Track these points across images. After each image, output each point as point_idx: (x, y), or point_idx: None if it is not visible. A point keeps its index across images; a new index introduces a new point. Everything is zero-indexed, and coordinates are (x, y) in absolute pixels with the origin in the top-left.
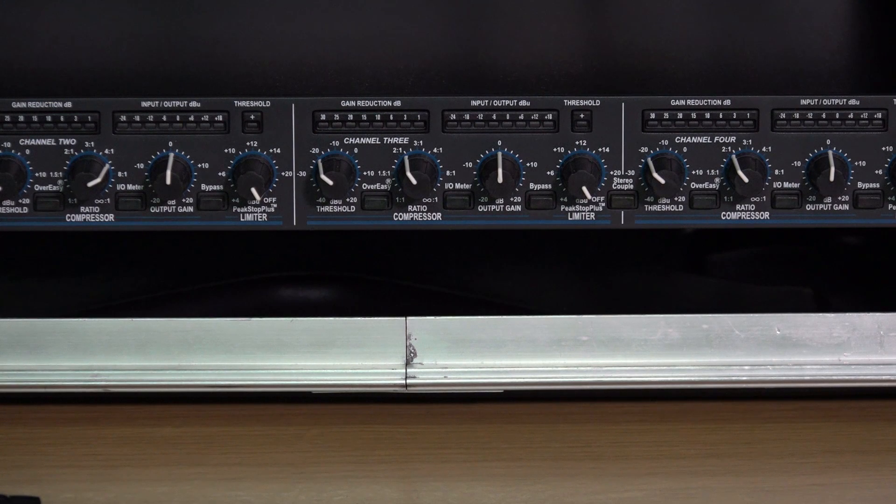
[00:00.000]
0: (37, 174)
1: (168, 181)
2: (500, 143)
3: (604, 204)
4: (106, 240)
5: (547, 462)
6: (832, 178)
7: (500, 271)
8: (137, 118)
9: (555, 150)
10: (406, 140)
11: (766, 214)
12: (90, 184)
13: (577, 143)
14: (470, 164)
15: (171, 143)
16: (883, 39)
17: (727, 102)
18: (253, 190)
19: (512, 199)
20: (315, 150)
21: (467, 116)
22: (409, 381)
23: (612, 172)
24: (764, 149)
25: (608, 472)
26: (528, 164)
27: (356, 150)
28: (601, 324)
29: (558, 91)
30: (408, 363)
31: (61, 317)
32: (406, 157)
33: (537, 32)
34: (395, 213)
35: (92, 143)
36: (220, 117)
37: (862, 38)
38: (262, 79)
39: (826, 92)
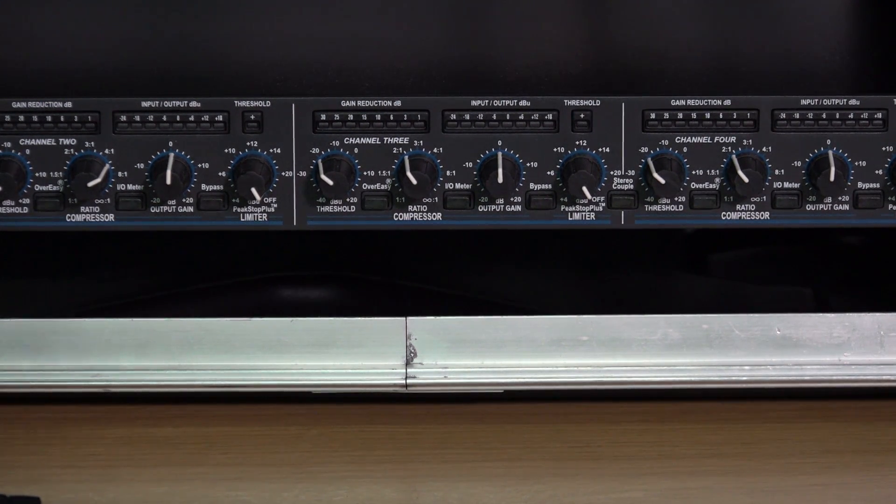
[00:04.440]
0: (37, 174)
1: (168, 181)
2: (500, 143)
3: (604, 204)
4: (106, 240)
5: (547, 462)
6: (832, 178)
7: (500, 271)
8: (137, 118)
9: (555, 150)
10: (406, 140)
11: (767, 214)
12: (90, 184)
13: (577, 143)
14: (470, 164)
15: (171, 143)
16: (883, 39)
17: (727, 102)
18: (253, 190)
19: (512, 199)
20: (315, 150)
21: (467, 116)
22: (409, 381)
23: (612, 172)
24: (764, 149)
25: (608, 472)
26: (528, 164)
27: (356, 150)
28: (601, 324)
29: (558, 91)
30: (408, 363)
31: (61, 317)
32: (406, 157)
33: (537, 32)
34: (396, 213)
35: (92, 143)
36: (220, 117)
37: (862, 38)
38: (262, 79)
39: (826, 92)
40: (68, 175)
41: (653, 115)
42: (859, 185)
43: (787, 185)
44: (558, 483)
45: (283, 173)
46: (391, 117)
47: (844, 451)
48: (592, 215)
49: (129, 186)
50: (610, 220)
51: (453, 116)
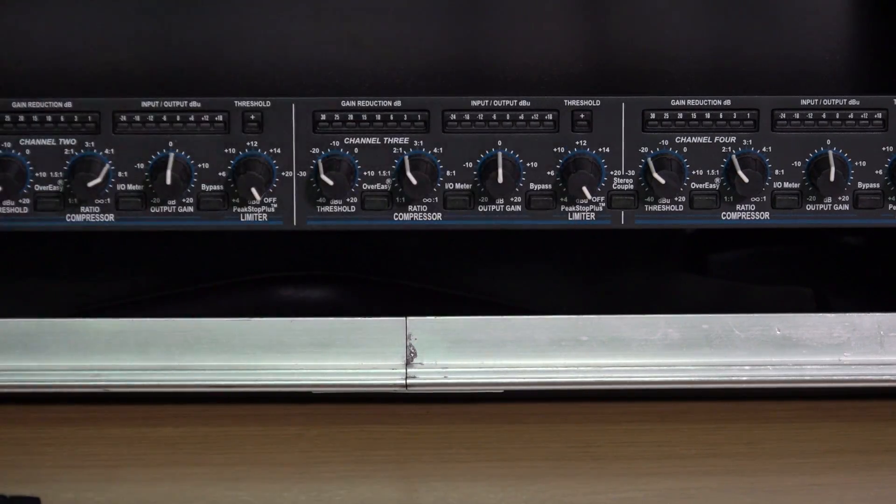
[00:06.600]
0: (37, 174)
1: (168, 181)
2: (500, 143)
3: (604, 204)
4: (106, 240)
5: (547, 462)
6: (832, 178)
7: (500, 271)
8: (137, 118)
9: (555, 150)
10: (406, 140)
11: (766, 214)
12: (90, 184)
13: (577, 143)
14: (470, 164)
15: (171, 143)
16: (883, 39)
17: (727, 102)
18: (253, 190)
19: (512, 199)
20: (315, 150)
21: (467, 116)
22: (409, 381)
23: (612, 172)
24: (764, 149)
25: (608, 472)
26: (528, 164)
27: (356, 150)
28: (601, 324)
29: (558, 91)
30: (408, 363)
31: (61, 317)
32: (406, 157)
33: (537, 32)
34: (396, 213)
35: (92, 143)
36: (220, 117)
37: (862, 38)
38: (262, 79)
39: (826, 92)
40: (68, 175)
41: (653, 115)
42: (859, 185)
43: (787, 185)
44: (558, 483)
45: (283, 173)
46: (391, 117)
47: (844, 451)
48: (592, 215)
49: (129, 186)
50: (610, 220)
51: (453, 116)
